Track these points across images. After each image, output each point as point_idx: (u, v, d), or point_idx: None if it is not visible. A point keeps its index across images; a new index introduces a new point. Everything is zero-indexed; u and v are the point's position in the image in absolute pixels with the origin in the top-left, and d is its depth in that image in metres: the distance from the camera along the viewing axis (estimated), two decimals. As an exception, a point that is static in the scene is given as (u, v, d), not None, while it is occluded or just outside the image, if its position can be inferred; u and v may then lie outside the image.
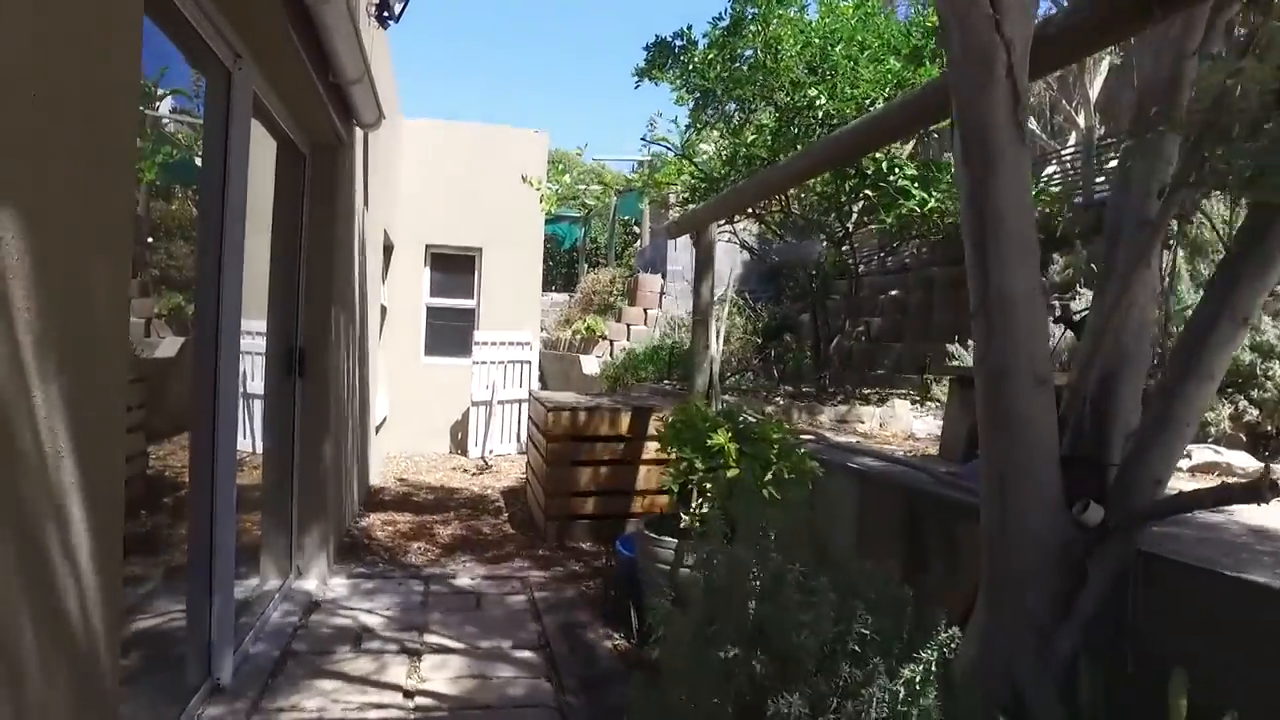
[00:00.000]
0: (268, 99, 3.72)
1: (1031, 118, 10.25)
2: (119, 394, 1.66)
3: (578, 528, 5.72)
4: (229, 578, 3.24)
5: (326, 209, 4.70)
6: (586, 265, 19.80)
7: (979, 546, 2.28)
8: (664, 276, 12.47)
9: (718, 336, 5.82)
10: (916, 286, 9.00)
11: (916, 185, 5.64)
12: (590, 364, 11.47)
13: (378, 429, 8.07)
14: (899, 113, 2.98)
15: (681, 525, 3.66)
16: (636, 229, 22.29)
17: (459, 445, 9.81)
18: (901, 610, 1.91)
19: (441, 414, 9.79)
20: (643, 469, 5.78)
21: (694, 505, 3.66)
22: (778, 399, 6.39)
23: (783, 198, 6.93)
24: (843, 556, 2.29)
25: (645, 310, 12.34)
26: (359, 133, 5.30)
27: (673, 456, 4.02)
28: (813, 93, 5.64)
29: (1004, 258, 2.09)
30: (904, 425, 5.49)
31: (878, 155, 5.70)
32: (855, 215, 6.82)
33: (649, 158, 7.32)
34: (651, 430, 5.77)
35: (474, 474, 8.45)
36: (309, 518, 4.65)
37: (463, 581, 4.86)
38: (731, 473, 3.57)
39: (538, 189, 7.27)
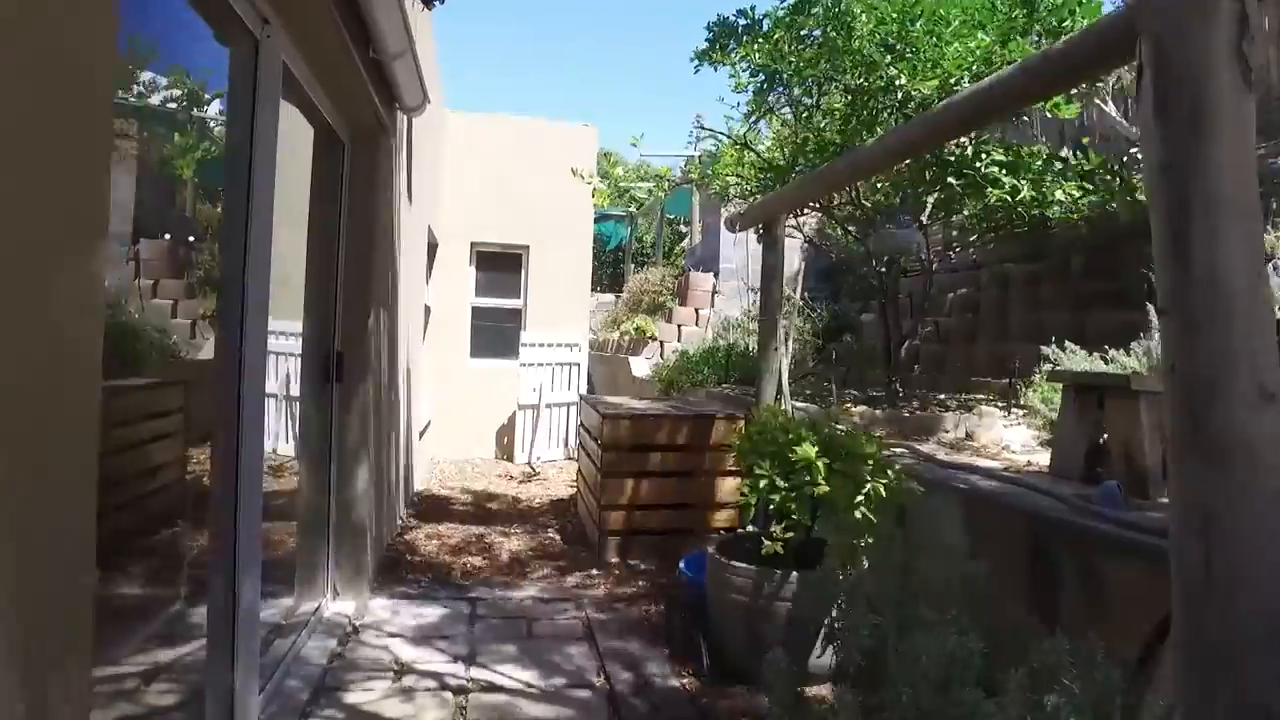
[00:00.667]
0: (300, 74, 3.37)
1: (1110, 102, 9.53)
2: (85, 423, 1.28)
3: (635, 544, 5.31)
4: (254, 608, 2.87)
5: (367, 202, 4.35)
6: (633, 265, 19.41)
7: (1142, 594, 1.81)
8: (716, 275, 12.01)
9: (786, 338, 5.36)
10: (990, 284, 8.42)
11: (1005, 172, 5.13)
12: (640, 366, 11.06)
13: (422, 434, 7.76)
14: (1033, 72, 2.51)
15: (762, 551, 3.23)
16: (684, 228, 21.86)
17: (505, 450, 9.48)
18: (1110, 700, 1.45)
19: (487, 418, 9.47)
20: (706, 481, 5.34)
21: (776, 529, 3.22)
22: (847, 404, 5.91)
23: (852, 188, 6.44)
24: (1016, 617, 1.83)
25: (697, 310, 11.89)
26: (402, 119, 4.96)
27: (747, 471, 3.58)
28: (891, 71, 5.14)
29: (1218, 236, 1.61)
30: (994, 435, 4.98)
31: (963, 139, 5.19)
32: (929, 207, 6.30)
33: (698, 153, 6.86)
34: (715, 439, 5.34)
35: (521, 481, 8.09)
36: (347, 534, 4.30)
37: (512, 604, 4.47)
38: (821, 491, 3.12)
39: (588, 183, 6.87)
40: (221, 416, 2.71)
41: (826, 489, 3.12)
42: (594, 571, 5.08)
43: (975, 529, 3.14)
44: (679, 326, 11.78)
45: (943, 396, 6.78)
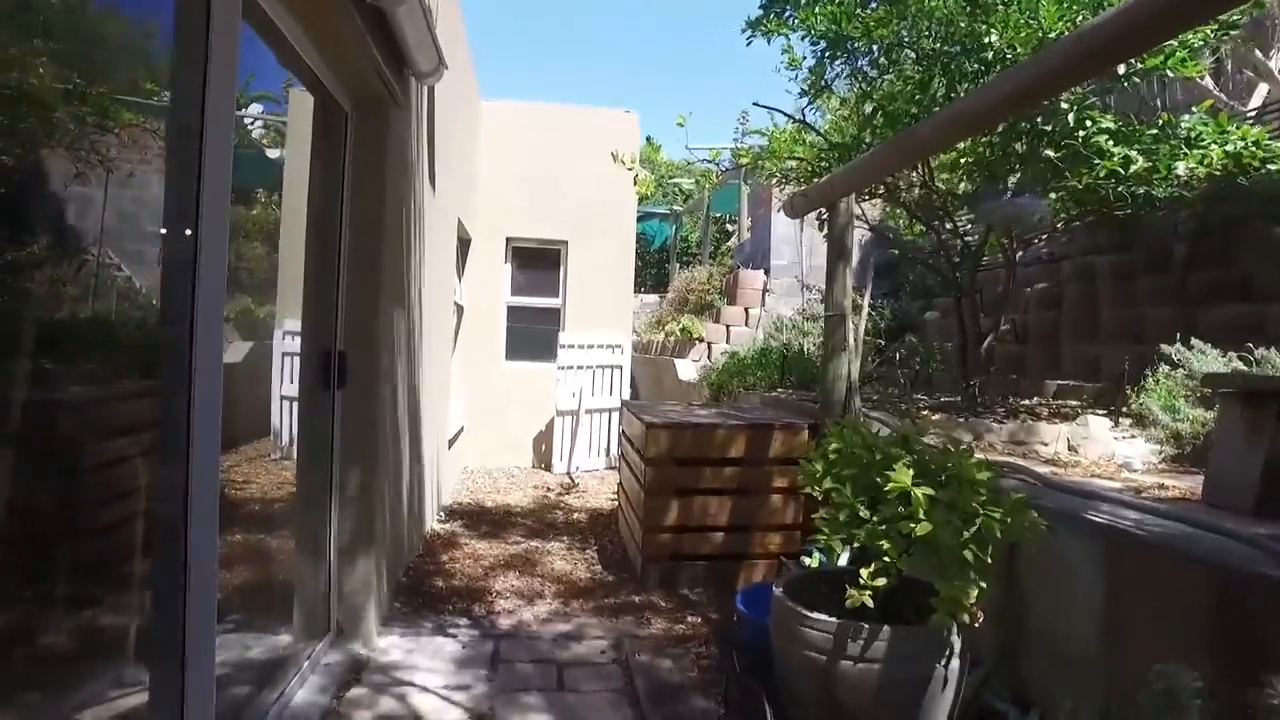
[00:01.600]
0: (286, 28, 2.82)
1: (1207, 75, 8.67)
2: None
3: (684, 571, 4.67)
4: (209, 647, 2.29)
5: (374, 181, 3.79)
6: (678, 265, 18.79)
7: None
8: (767, 272, 11.31)
9: (855, 337, 4.69)
10: (1072, 278, 7.62)
11: (1114, 141, 4.39)
12: (686, 369, 10.42)
13: (452, 442, 7.22)
14: None
15: (845, 601, 2.57)
16: (730, 226, 21.14)
17: (542, 459, 8.91)
18: None
19: (523, 424, 8.90)
20: (764, 500, 4.69)
21: (863, 574, 2.56)
22: (924, 411, 5.20)
23: (923, 169, 5.73)
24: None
25: (746, 309, 11.21)
26: (415, 88, 4.39)
27: (824, 498, 2.93)
28: (979, 27, 4.44)
29: None
30: (1103, 449, 4.24)
31: (1064, 104, 4.47)
32: (1009, 192, 5.56)
33: (744, 145, 6.20)
34: (775, 452, 4.68)
35: (559, 494, 7.50)
36: (352, 561, 3.74)
37: (542, 643, 3.87)
38: (923, 529, 2.45)
39: (630, 169, 6.27)
40: (165, 421, 2.13)
41: (929, 525, 2.45)
42: (635, 601, 4.46)
43: (1120, 578, 2.46)
44: (727, 327, 11.11)
45: (1027, 402, 6.02)
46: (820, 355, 8.61)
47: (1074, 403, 5.77)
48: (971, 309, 5.99)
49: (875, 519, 2.63)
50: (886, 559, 2.56)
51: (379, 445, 3.84)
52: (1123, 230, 7.00)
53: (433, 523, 6.06)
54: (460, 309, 8.23)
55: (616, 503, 6.85)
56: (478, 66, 7.95)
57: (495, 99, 8.91)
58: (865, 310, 4.84)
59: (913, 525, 2.52)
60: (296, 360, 3.63)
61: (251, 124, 3.61)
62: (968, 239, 6.26)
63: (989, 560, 2.47)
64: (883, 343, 9.06)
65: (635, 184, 6.31)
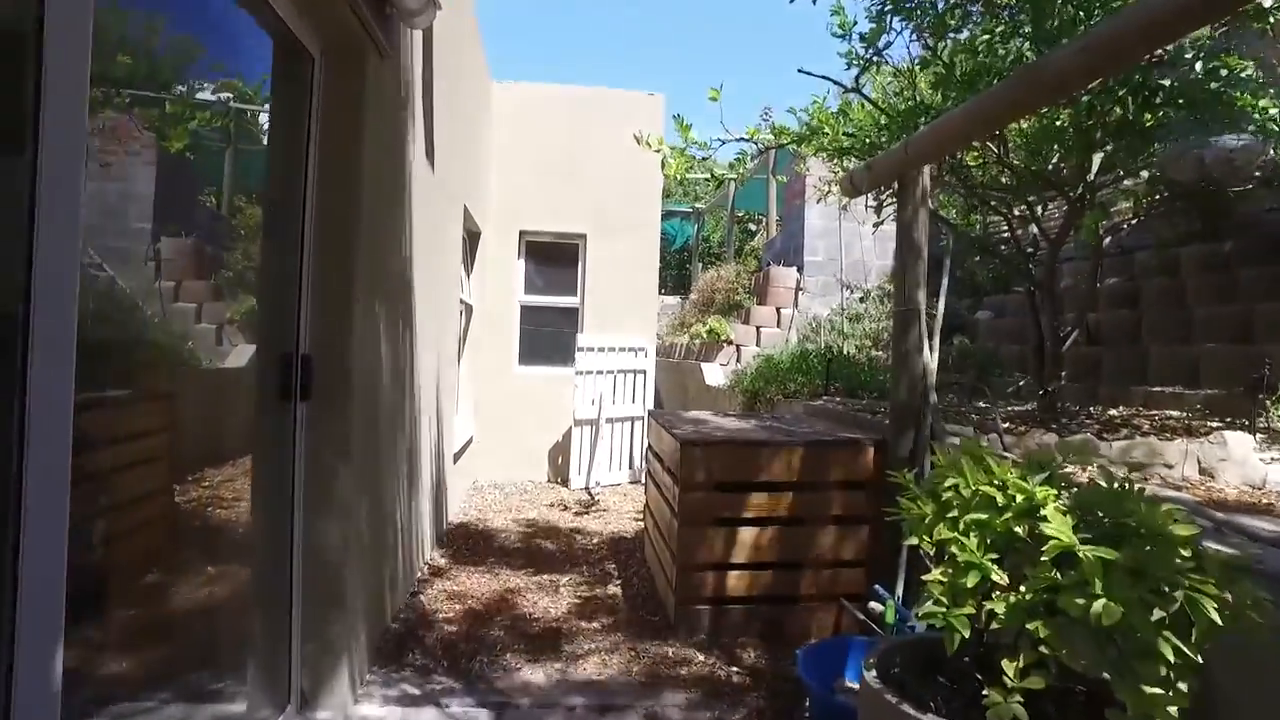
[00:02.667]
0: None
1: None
2: None
3: (726, 617, 3.91)
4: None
5: (348, 146, 3.07)
6: (700, 265, 18.05)
7: None
8: (800, 270, 10.53)
9: (931, 334, 3.93)
10: (1152, 271, 6.80)
11: (1250, 94, 3.60)
12: (714, 374, 9.66)
13: (458, 455, 6.50)
14: None
15: (986, 708, 1.80)
16: (753, 226, 20.36)
17: (558, 473, 8.16)
18: None
19: (538, 434, 8.17)
20: (822, 531, 3.92)
21: (1011, 670, 1.79)
22: (1004, 422, 4.42)
23: (996, 143, 4.95)
24: None
25: (778, 310, 10.43)
26: (405, 38, 3.67)
27: (936, 554, 2.17)
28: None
29: None
30: (1247, 472, 3.45)
31: (1186, 52, 3.69)
32: (1099, 162, 4.76)
33: (778, 126, 5.42)
34: (835, 474, 3.92)
35: (576, 513, 6.75)
36: (321, 613, 3.01)
37: (555, 714, 3.12)
38: (1104, 610, 1.68)
39: (656, 150, 5.52)
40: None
41: (1112, 605, 1.68)
42: (669, 654, 3.70)
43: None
44: (757, 328, 10.34)
45: (1116, 412, 5.22)
46: (888, 360, 7.86)
47: (1175, 413, 4.96)
48: (1051, 305, 5.19)
49: (1022, 589, 1.86)
50: (1044, 649, 1.79)
51: (353, 470, 3.11)
52: (1214, 214, 6.18)
53: (432, 551, 5.33)
54: (468, 308, 7.52)
55: (641, 524, 6.12)
56: (487, 45, 7.26)
57: (507, 81, 8.21)
58: (941, 313, 4.08)
59: (1081, 600, 1.75)
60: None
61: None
62: (1043, 225, 5.45)
63: (1199, 662, 1.70)
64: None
65: (663, 168, 5.55)
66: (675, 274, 20.02)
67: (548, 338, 8.37)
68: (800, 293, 10.46)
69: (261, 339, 2.83)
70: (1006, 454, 3.60)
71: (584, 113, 8.26)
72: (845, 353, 7.80)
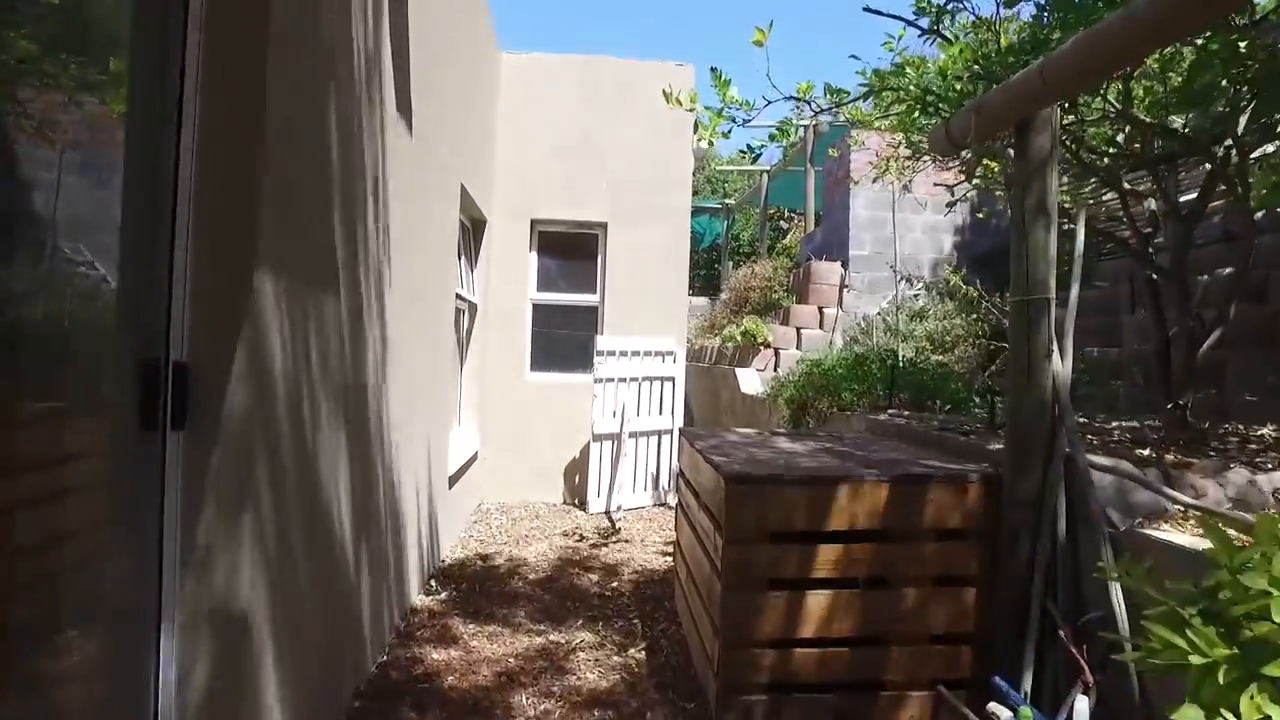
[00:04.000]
0: None
1: None
2: None
3: (786, 709, 2.93)
4: None
5: (247, 55, 2.14)
6: (731, 264, 17.08)
7: None
8: (845, 265, 9.50)
9: (1063, 333, 2.93)
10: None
11: None
12: (750, 380, 8.67)
13: (456, 478, 5.57)
14: None
15: None
16: (784, 223, 19.30)
17: (575, 494, 7.21)
18: None
19: (552, 450, 7.22)
20: (912, 595, 2.93)
21: None
22: (1133, 448, 3.39)
23: (1120, 95, 3.92)
24: None
25: (820, 309, 9.41)
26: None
27: (1203, 683, 1.17)
28: None
29: None
30: None
31: None
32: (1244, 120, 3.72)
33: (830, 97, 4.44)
34: (930, 518, 2.93)
35: (594, 543, 5.80)
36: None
37: None
38: None
39: (690, 109, 4.55)
40: None
41: None
42: (710, 763, 2.73)
43: None
44: (798, 329, 9.33)
45: (1270, 431, 4.18)
46: (957, 366, 6.85)
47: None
48: (1181, 296, 4.15)
49: None
50: None
51: (259, 530, 2.18)
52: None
53: (418, 594, 4.41)
54: (472, 307, 6.61)
55: (670, 559, 5.17)
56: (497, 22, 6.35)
57: (517, 52, 7.29)
58: (1073, 306, 3.07)
59: None
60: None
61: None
62: (1171, 196, 4.40)
63: None
64: (990, 344, 7.21)
65: (696, 133, 4.59)
66: (703, 274, 19.03)
67: (563, 340, 7.43)
68: (845, 290, 9.43)
69: (115, 339, 1.91)
70: (1182, 499, 2.58)
71: (604, 87, 7.32)
72: (907, 357, 6.79)
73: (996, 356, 7.42)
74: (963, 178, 6.00)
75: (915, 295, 8.86)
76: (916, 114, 4.14)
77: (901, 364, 5.84)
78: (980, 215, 7.51)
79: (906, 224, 9.46)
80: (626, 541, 5.87)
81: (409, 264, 3.95)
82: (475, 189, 5.93)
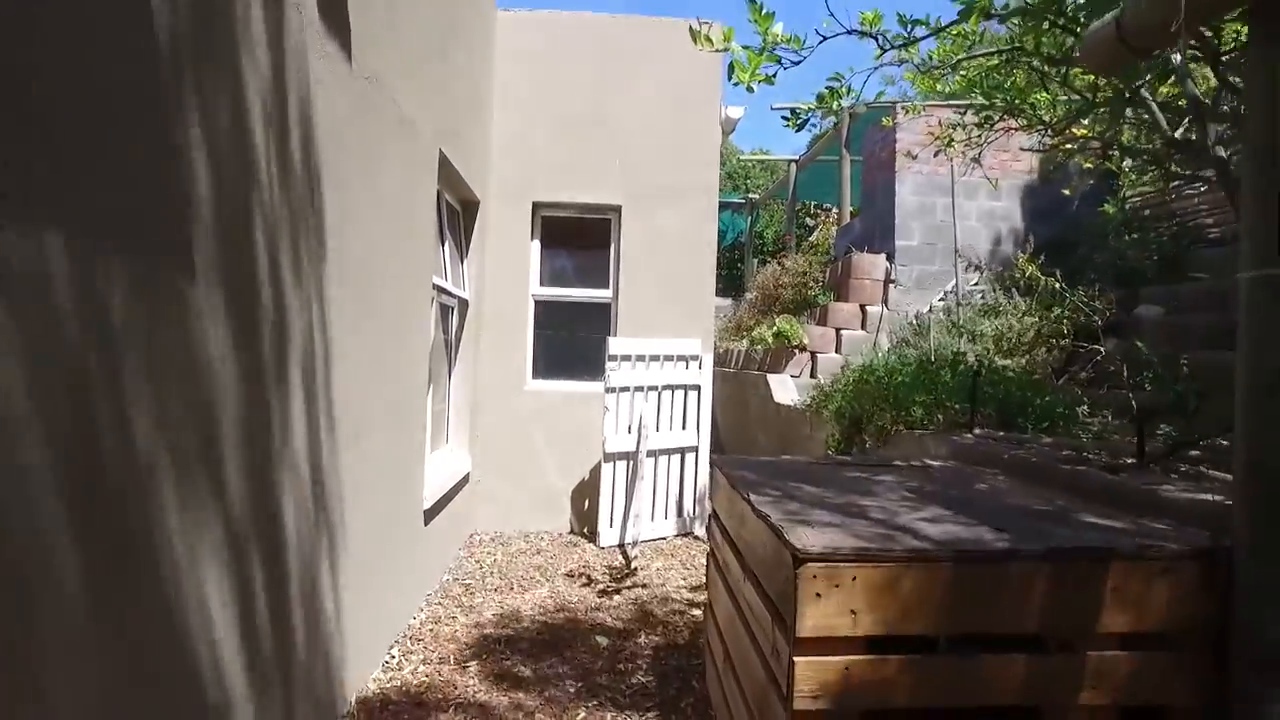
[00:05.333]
0: None
1: None
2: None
3: None
4: None
5: None
6: (756, 262, 16.04)
7: None
8: (890, 257, 8.43)
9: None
10: None
11: None
12: (784, 388, 7.64)
13: (435, 511, 4.59)
14: None
15: None
16: (811, 220, 18.20)
17: (584, 522, 6.20)
18: None
19: (557, 471, 6.21)
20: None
21: None
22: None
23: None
24: None
25: (862, 307, 8.35)
26: None
27: None
28: None
29: None
30: None
31: None
32: None
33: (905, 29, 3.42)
34: (1112, 620, 1.89)
35: (605, 589, 4.78)
36: None
37: None
38: None
39: (722, 49, 3.52)
40: None
41: None
42: None
43: None
44: (837, 330, 8.28)
45: None
46: (1040, 372, 5.79)
47: None
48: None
49: None
50: None
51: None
52: None
53: (376, 672, 3.41)
54: (461, 304, 5.62)
55: (699, 611, 4.18)
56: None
57: (517, 9, 6.30)
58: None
59: None
60: None
61: None
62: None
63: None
64: (1071, 346, 6.11)
65: (730, 75, 3.55)
66: (724, 274, 17.97)
67: (570, 343, 6.43)
68: (891, 285, 8.36)
69: None
70: None
71: (617, 49, 6.32)
72: (977, 362, 5.72)
73: (1076, 360, 6.33)
74: (1050, 144, 4.97)
75: (975, 289, 7.78)
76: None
77: (993, 374, 4.77)
78: (1067, 191, 6.40)
79: (960, 211, 8.39)
80: (645, 585, 4.85)
81: (352, 241, 2.96)
82: (462, 161, 4.94)
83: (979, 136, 5.64)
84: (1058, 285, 5.88)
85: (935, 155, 5.80)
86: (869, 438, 4.80)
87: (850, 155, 10.87)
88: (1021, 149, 5.24)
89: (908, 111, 6.31)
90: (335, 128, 2.72)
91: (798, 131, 5.23)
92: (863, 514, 2.22)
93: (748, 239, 17.77)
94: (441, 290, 4.91)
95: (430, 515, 4.41)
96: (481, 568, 5.11)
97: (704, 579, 5.02)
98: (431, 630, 3.97)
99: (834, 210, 14.67)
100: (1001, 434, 3.98)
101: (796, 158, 14.20)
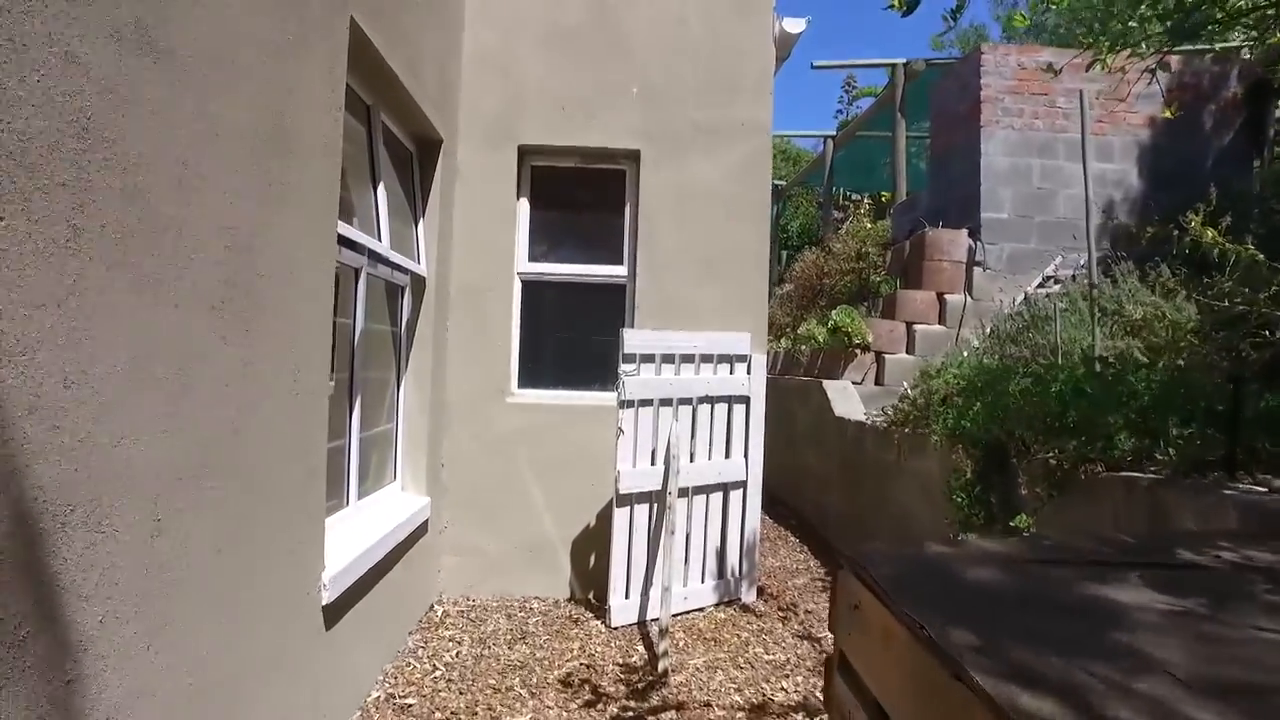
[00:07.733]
0: None
1: None
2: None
3: None
4: None
5: None
6: (785, 253, 14.46)
7: None
8: (974, 234, 6.74)
9: None
10: None
11: None
12: (845, 399, 5.97)
13: (356, 594, 2.93)
14: None
15: None
16: (839, 211, 16.52)
17: (588, 586, 4.52)
18: None
19: (551, 511, 4.53)
20: None
21: None
22: None
23: None
24: None
25: (940, 296, 6.67)
26: None
27: None
28: None
29: None
30: None
31: None
32: None
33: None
34: None
35: (622, 708, 3.11)
36: None
37: None
38: None
39: None
40: None
41: None
42: None
43: None
44: (908, 325, 6.60)
45: None
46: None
47: None
48: None
49: None
50: None
51: None
52: None
53: None
54: (416, 282, 3.98)
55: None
56: None
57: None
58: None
59: None
60: None
61: None
62: None
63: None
64: (1198, 343, 4.42)
65: None
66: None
67: (571, 338, 4.76)
68: (976, 269, 6.67)
69: None
70: None
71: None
72: (1133, 360, 4.04)
73: (1262, 363, 4.62)
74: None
75: (1081, 269, 6.08)
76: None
77: (1240, 375, 3.06)
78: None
79: (1062, 176, 6.70)
80: (680, 709, 3.17)
81: (101, 138, 1.32)
82: (408, 69, 3.30)
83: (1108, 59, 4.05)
84: (1256, 257, 4.16)
85: (1087, 68, 4.09)
86: (1032, 479, 3.11)
87: (909, 133, 9.21)
88: (1150, 71, 3.55)
89: (1014, 24, 4.63)
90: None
91: (904, 15, 3.59)
92: None
93: (773, 232, 16.12)
94: (384, 262, 3.26)
95: (340, 609, 2.76)
96: (434, 670, 3.44)
97: (766, 686, 3.35)
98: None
99: (865, 200, 13.04)
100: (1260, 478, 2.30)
101: (833, 133, 12.57)
